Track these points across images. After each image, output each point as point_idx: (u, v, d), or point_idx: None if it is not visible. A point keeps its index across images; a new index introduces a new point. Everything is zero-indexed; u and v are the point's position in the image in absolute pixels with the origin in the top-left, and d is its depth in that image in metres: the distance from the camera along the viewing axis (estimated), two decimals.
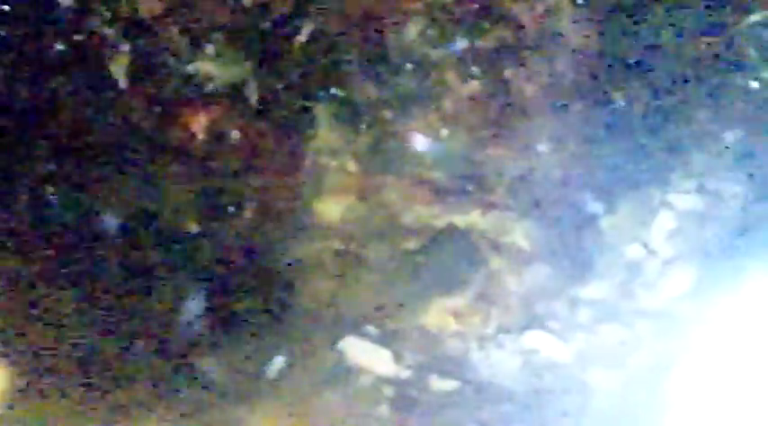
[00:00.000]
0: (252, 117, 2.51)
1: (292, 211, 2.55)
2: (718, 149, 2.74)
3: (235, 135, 2.52)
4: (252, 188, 2.52)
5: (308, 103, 2.52)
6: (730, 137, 2.75)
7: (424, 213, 2.62)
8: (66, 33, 2.45)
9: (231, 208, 2.50)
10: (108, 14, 2.45)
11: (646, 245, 2.74)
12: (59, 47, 2.44)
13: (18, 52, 2.44)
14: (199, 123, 2.50)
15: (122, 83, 2.45)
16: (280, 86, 2.50)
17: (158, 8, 2.46)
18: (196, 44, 2.48)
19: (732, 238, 2.77)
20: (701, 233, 2.76)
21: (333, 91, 2.54)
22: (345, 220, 2.59)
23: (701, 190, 2.77)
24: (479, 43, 2.58)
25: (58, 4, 2.44)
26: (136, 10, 2.46)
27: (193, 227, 2.46)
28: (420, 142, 2.62)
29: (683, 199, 2.76)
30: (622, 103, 2.68)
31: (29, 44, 2.43)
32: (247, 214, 2.51)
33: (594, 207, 2.73)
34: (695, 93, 2.71)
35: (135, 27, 2.46)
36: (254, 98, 2.48)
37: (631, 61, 2.66)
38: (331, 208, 2.59)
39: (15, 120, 2.44)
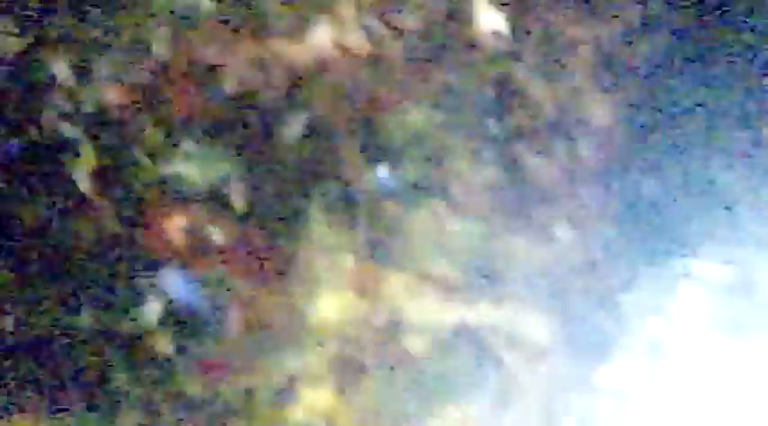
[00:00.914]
0: (236, 219, 2.20)
1: (284, 318, 2.27)
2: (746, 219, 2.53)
3: (217, 238, 2.21)
4: (238, 297, 2.24)
5: (300, 201, 2.21)
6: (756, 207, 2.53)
7: (430, 310, 2.36)
8: (19, 128, 2.11)
9: (212, 320, 2.22)
10: (67, 106, 2.10)
11: (668, 320, 2.55)
12: (13, 144, 2.10)
13: None
14: (176, 226, 2.19)
15: (85, 186, 2.13)
16: (268, 185, 2.19)
17: (125, 97, 2.11)
18: (171, 139, 2.14)
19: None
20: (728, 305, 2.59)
21: (328, 185, 2.23)
22: (343, 321, 2.33)
23: (728, 261, 2.57)
24: (494, 127, 2.27)
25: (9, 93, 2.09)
26: (98, 100, 2.11)
27: (167, 348, 2.19)
28: (426, 234, 2.34)
29: (710, 269, 2.56)
30: (645, 181, 2.42)
31: None
32: (232, 325, 2.24)
33: (615, 284, 2.51)
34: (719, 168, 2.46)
35: (99, 120, 2.12)
36: (238, 199, 2.17)
37: (656, 139, 2.39)
38: (327, 309, 2.32)
39: None
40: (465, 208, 2.31)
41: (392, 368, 2.32)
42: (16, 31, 2.13)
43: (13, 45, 2.13)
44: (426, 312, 2.37)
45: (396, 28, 2.14)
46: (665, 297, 2.63)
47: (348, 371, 2.31)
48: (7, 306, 2.16)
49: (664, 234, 2.54)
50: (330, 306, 2.32)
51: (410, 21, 2.14)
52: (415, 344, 2.36)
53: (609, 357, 2.54)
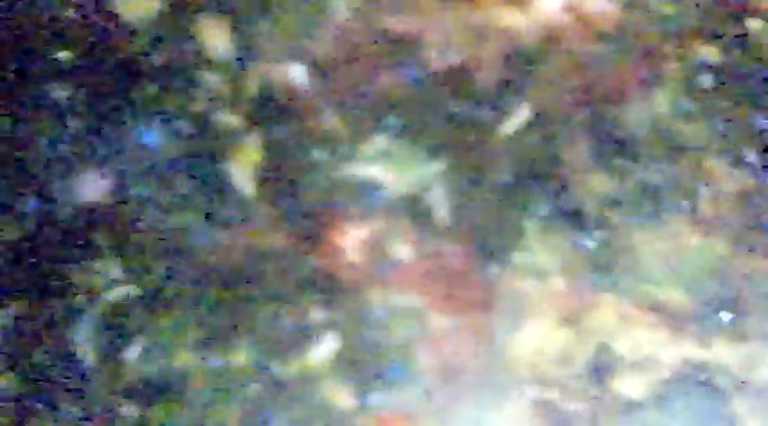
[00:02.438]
0: (434, 233, 1.72)
1: (481, 358, 1.80)
2: None
3: (406, 256, 1.73)
4: (429, 331, 1.76)
5: (515, 212, 1.73)
6: None
7: (647, 341, 1.89)
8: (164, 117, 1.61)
9: (396, 362, 1.75)
10: (223, 88, 1.60)
11: None
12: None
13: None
14: (356, 242, 1.71)
15: (248, 189, 1.64)
16: (476, 192, 1.70)
17: (299, 78, 1.62)
18: (357, 132, 1.65)
19: None
20: None
21: (550, 191, 1.74)
22: (540, 353, 1.86)
23: None
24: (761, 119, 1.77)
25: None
26: (264, 81, 1.61)
27: (340, 397, 1.72)
28: (656, 252, 1.85)
29: None
30: None
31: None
32: (421, 367, 1.77)
33: None
34: None
35: (266, 107, 1.62)
36: (441, 210, 1.68)
37: None
38: (527, 343, 1.85)
39: None
40: (709, 222, 1.83)
41: (597, 415, 1.86)
42: None
43: (150, 9, 1.63)
44: (644, 347, 1.90)
45: None
46: None
47: (549, 420, 1.85)
48: (137, 336, 1.69)
49: None
50: (531, 339, 1.85)
51: None
52: (629, 387, 1.89)
53: None
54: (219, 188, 1.65)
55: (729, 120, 1.78)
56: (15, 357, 1.74)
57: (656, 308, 1.89)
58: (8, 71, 1.71)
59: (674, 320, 1.89)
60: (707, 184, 1.82)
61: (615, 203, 1.79)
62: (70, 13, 1.67)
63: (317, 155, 1.65)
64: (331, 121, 1.65)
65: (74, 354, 1.74)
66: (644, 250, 1.85)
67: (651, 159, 1.78)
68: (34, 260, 1.74)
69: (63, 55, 1.70)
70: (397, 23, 1.66)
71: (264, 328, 1.68)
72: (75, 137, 1.70)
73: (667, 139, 1.78)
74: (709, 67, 1.72)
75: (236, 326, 1.67)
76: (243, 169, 1.64)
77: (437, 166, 1.67)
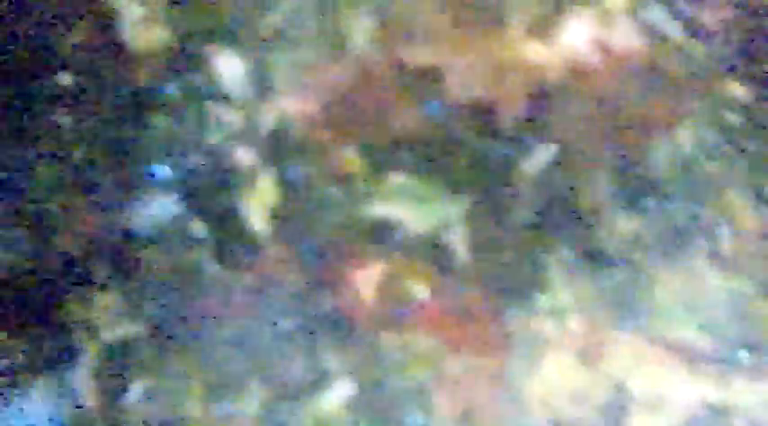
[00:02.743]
0: (453, 274, 1.66)
1: (499, 400, 1.74)
2: None
3: (423, 297, 1.67)
4: (445, 373, 1.70)
5: (538, 253, 1.67)
6: None
7: (664, 381, 1.84)
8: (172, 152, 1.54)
9: (413, 405, 1.69)
10: (241, 126, 1.53)
11: None
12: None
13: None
14: (370, 281, 1.64)
15: (261, 227, 1.57)
16: (499, 231, 1.64)
17: (314, 112, 1.55)
18: (375, 169, 1.59)
19: None
20: None
21: (574, 232, 1.69)
22: (557, 393, 1.80)
23: None
24: None
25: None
26: (279, 115, 1.54)
27: None
28: (676, 291, 1.80)
29: None
30: None
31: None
32: (438, 410, 1.70)
33: None
34: None
35: (283, 145, 1.56)
36: (461, 250, 1.62)
37: None
38: (543, 382, 1.79)
39: None
40: (731, 261, 1.78)
41: None
42: (162, 16, 1.56)
43: (162, 38, 1.56)
44: (661, 387, 1.84)
45: (694, 23, 1.58)
46: None
47: None
48: (139, 379, 1.62)
49: None
50: (548, 379, 1.79)
51: (715, 14, 1.57)
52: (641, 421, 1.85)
53: None
54: (232, 226, 1.58)
55: (755, 159, 1.74)
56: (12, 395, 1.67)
57: (674, 347, 1.84)
58: (12, 98, 1.64)
59: (692, 360, 1.84)
60: (729, 223, 1.77)
61: (637, 242, 1.74)
62: (76, 40, 1.60)
63: (333, 192, 1.59)
64: (348, 158, 1.58)
65: (72, 395, 1.66)
66: (664, 288, 1.80)
67: (675, 198, 1.73)
68: (31, 292, 1.67)
69: (67, 82, 1.63)
70: (416, 56, 1.60)
71: (276, 372, 1.61)
72: (78, 167, 1.63)
73: (691, 177, 1.73)
74: (737, 105, 1.67)
75: (246, 370, 1.60)
76: (256, 206, 1.57)
77: (457, 205, 1.61)
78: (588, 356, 1.82)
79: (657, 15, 1.60)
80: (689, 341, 1.85)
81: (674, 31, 1.60)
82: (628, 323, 1.81)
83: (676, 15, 1.60)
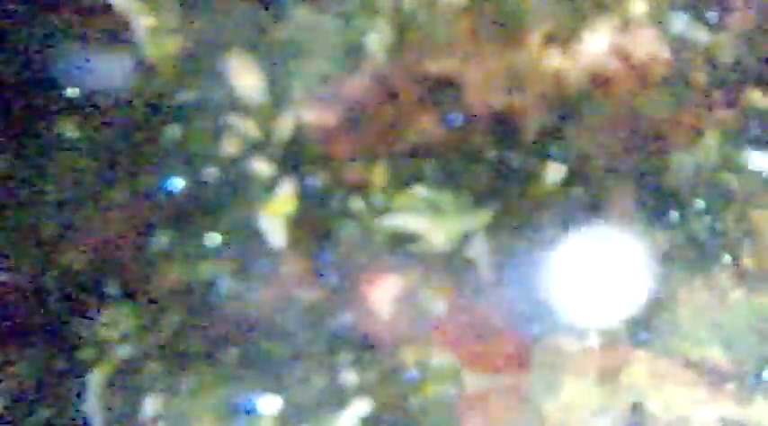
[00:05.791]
0: (473, 288, 1.62)
1: (518, 419, 1.70)
2: None
3: (443, 312, 1.63)
4: (465, 391, 1.66)
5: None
6: None
7: (683, 400, 1.80)
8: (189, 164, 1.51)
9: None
10: (258, 136, 1.50)
11: None
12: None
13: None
14: (386, 295, 1.60)
15: (279, 240, 1.53)
16: (518, 245, 1.60)
17: (330, 119, 1.52)
18: (397, 183, 1.55)
19: None
20: None
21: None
22: (575, 412, 1.76)
23: None
24: None
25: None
26: (296, 125, 1.51)
27: None
28: (697, 308, 1.77)
29: None
30: None
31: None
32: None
33: None
34: None
35: (301, 156, 1.52)
36: (482, 263, 1.59)
37: None
38: (559, 398, 1.75)
39: None
40: (753, 276, 1.74)
41: None
42: (174, 24, 1.52)
43: (173, 46, 1.53)
44: (680, 405, 1.80)
45: (719, 31, 1.55)
46: None
47: None
48: (154, 398, 1.58)
49: None
50: (567, 397, 1.75)
51: (741, 22, 1.55)
52: None
53: None
54: (248, 238, 1.54)
55: None
56: (19, 416, 1.62)
57: (693, 365, 1.80)
58: (17, 110, 1.60)
59: (712, 378, 1.81)
60: (752, 237, 1.74)
61: (658, 255, 1.71)
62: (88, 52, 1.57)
63: (352, 204, 1.55)
64: (366, 169, 1.55)
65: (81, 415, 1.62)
66: (684, 304, 1.76)
67: (696, 210, 1.70)
68: (39, 309, 1.63)
69: (75, 91, 1.59)
70: (435, 66, 1.57)
71: (292, 390, 1.57)
72: (89, 179, 1.60)
73: (714, 189, 1.70)
74: (761, 115, 1.65)
75: (261, 388, 1.56)
76: (273, 218, 1.53)
77: (477, 217, 1.57)
78: (608, 374, 1.78)
79: (681, 23, 1.57)
80: (710, 360, 1.81)
81: (699, 39, 1.58)
82: (647, 341, 1.78)
83: (701, 23, 1.58)
